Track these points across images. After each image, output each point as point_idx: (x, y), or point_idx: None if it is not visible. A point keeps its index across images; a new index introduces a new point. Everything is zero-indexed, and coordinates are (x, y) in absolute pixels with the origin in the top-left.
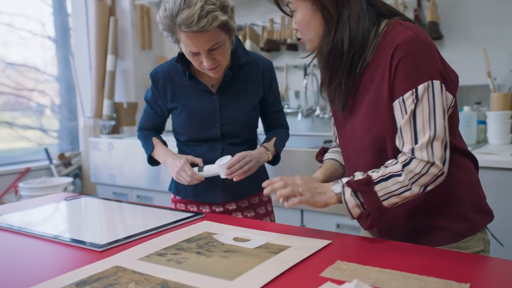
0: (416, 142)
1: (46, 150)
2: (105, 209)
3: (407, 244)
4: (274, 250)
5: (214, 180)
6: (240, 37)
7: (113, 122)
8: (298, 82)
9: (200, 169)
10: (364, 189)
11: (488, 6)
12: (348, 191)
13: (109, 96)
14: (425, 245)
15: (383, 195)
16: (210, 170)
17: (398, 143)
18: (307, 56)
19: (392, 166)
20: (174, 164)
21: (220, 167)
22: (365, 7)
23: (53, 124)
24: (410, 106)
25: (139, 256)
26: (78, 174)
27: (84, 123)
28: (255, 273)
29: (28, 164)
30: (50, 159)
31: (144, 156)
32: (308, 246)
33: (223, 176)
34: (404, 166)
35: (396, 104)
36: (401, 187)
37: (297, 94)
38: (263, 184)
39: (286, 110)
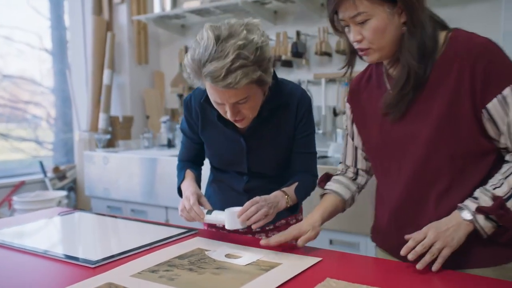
0: None
1: (41, 163)
2: (99, 225)
3: (400, 262)
4: (265, 267)
5: (240, 201)
6: None
7: (108, 136)
8: None
9: (209, 213)
10: (500, 213)
11: None
12: (481, 217)
13: (105, 110)
14: (462, 269)
15: None
16: (218, 216)
17: (505, 142)
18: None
19: None
20: (186, 198)
21: (229, 215)
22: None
23: (48, 136)
24: None
25: (132, 273)
26: (73, 187)
27: (79, 136)
28: None
29: (22, 177)
30: (44, 172)
31: (139, 169)
32: (299, 263)
33: (228, 226)
34: None
35: (493, 105)
36: None
37: None
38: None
39: None
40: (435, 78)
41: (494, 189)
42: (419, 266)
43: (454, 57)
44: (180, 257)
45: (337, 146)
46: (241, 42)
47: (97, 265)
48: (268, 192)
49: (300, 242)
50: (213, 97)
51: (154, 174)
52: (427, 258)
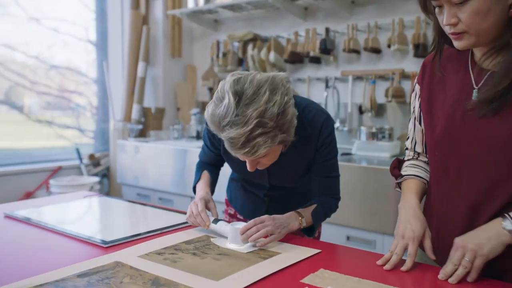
0: None
1: (77, 150)
2: (117, 209)
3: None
4: (264, 256)
5: (259, 205)
6: (265, 49)
7: (140, 126)
8: (320, 95)
9: (215, 221)
10: None
11: None
12: None
13: (138, 101)
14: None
15: None
16: (222, 227)
17: None
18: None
19: None
20: (194, 203)
21: (232, 230)
22: None
23: (90, 124)
24: None
25: (139, 254)
26: (106, 174)
27: (113, 125)
28: (240, 275)
29: (62, 162)
30: (80, 158)
31: (168, 159)
32: (297, 254)
33: (229, 241)
34: None
35: None
36: None
37: None
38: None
39: None
40: None
41: None
42: (451, 280)
43: None
44: (187, 242)
45: (361, 143)
46: (262, 108)
47: (109, 245)
48: (289, 199)
49: (429, 252)
50: (232, 153)
51: (182, 164)
52: (459, 272)
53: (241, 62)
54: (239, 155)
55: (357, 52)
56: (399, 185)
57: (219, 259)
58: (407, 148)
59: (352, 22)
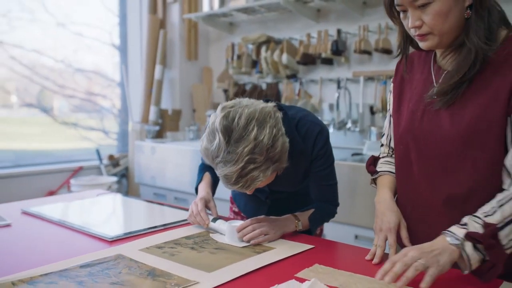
0: None
1: (98, 151)
2: (126, 206)
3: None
4: (259, 250)
5: (261, 207)
6: (278, 51)
7: (157, 127)
8: (332, 95)
9: (214, 220)
10: (490, 242)
11: None
12: (469, 245)
13: (156, 103)
14: None
15: (507, 243)
16: (220, 226)
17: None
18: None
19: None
20: (194, 203)
21: (229, 228)
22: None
23: (114, 126)
24: None
25: (140, 247)
26: (125, 175)
27: (132, 127)
28: (232, 268)
29: (83, 163)
30: (100, 159)
31: (184, 160)
32: (291, 249)
33: (227, 239)
34: None
35: None
36: None
37: (331, 107)
38: None
39: None
40: (484, 75)
41: (485, 216)
42: (399, 284)
43: (506, 58)
44: (188, 237)
45: (371, 144)
46: (252, 145)
47: (113, 239)
48: (291, 200)
49: (406, 241)
50: (227, 188)
51: (197, 164)
52: (409, 274)
53: (255, 64)
54: (235, 189)
55: (368, 53)
56: (374, 181)
57: (215, 253)
58: (382, 145)
59: (363, 23)
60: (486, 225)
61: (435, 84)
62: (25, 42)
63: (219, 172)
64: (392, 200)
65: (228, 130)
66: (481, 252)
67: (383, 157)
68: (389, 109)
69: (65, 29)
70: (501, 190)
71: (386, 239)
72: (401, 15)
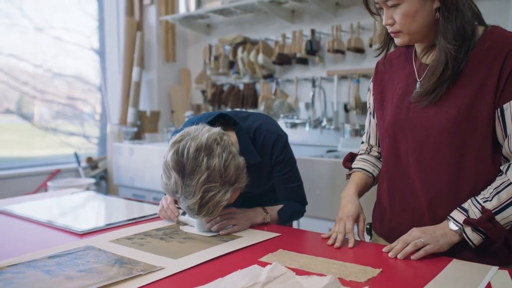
0: None
1: (76, 154)
2: (100, 202)
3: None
4: (226, 239)
5: (254, 203)
6: (254, 52)
7: (135, 129)
8: (308, 94)
9: (184, 213)
10: (487, 225)
11: None
12: (468, 229)
13: (134, 105)
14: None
15: (506, 224)
16: (190, 218)
17: (507, 150)
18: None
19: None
20: (164, 198)
21: (198, 219)
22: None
23: (95, 131)
24: None
25: (110, 239)
26: (104, 177)
27: (110, 129)
28: (198, 254)
29: (61, 166)
30: (78, 162)
31: (161, 160)
32: (257, 237)
33: (196, 230)
34: None
35: (509, 106)
36: None
37: (307, 105)
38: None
39: (295, 121)
40: (468, 69)
41: (484, 202)
42: (400, 256)
43: (488, 50)
44: (158, 229)
45: (345, 141)
46: (205, 176)
47: (84, 232)
48: (262, 198)
49: (361, 234)
50: (193, 218)
51: None
52: (408, 249)
53: (232, 65)
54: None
55: (341, 52)
56: (349, 176)
57: (183, 242)
58: (362, 142)
59: (336, 23)
60: (483, 210)
61: (417, 78)
62: (2, 47)
63: (182, 205)
64: (354, 195)
65: (180, 165)
66: (481, 232)
67: (360, 154)
68: (369, 107)
69: (44, 34)
70: (493, 174)
71: (344, 227)
72: (381, 12)
